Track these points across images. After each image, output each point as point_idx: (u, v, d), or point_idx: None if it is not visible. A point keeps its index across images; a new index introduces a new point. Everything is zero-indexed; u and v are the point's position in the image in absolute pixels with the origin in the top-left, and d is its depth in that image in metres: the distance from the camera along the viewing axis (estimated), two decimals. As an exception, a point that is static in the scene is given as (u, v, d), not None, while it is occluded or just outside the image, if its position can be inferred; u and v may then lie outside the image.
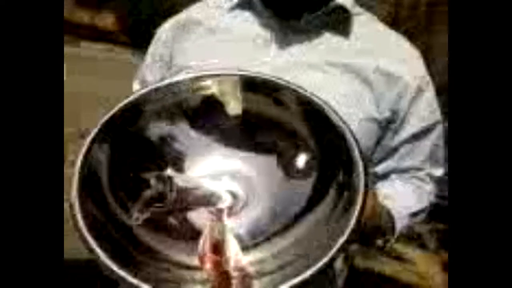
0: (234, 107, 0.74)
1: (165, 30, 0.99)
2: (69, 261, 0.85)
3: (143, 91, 0.74)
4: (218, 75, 0.74)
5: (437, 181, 0.96)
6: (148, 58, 1.02)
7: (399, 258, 2.19)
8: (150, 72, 1.00)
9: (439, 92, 0.93)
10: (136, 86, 1.04)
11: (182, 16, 0.98)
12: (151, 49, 1.02)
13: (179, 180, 0.61)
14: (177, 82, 0.75)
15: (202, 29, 0.93)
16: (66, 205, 0.64)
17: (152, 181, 0.62)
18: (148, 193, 0.62)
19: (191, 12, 0.97)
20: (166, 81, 0.75)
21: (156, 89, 0.74)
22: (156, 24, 1.05)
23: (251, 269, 0.63)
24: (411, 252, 2.30)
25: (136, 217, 0.63)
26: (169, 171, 0.61)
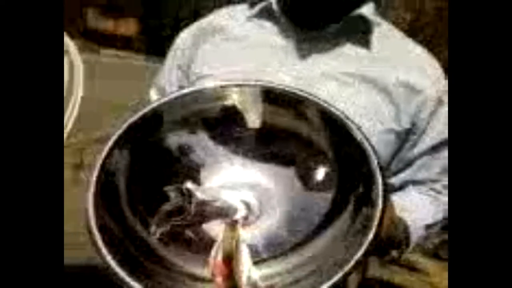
0: (254, 117, 0.73)
1: (184, 37, 0.99)
2: (69, 266, 0.84)
3: (164, 99, 0.73)
4: (239, 85, 0.73)
5: None
6: (166, 66, 1.01)
7: (412, 268, 2.16)
8: (168, 80, 0.99)
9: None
10: (153, 93, 1.04)
11: (201, 23, 0.98)
12: (169, 56, 1.01)
13: (198, 192, 0.61)
14: (198, 91, 0.74)
15: (221, 37, 0.92)
16: (66, 208, 0.65)
17: (171, 194, 0.61)
18: (167, 206, 0.62)
19: (211, 20, 0.97)
20: (187, 90, 0.75)
21: (177, 98, 0.73)
22: (177, 29, 1.04)
23: (262, 285, 0.63)
24: (424, 262, 2.27)
25: (154, 231, 0.63)
26: (189, 184, 0.60)
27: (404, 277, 2.09)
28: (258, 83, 0.73)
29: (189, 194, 0.59)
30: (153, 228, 0.62)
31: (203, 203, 0.60)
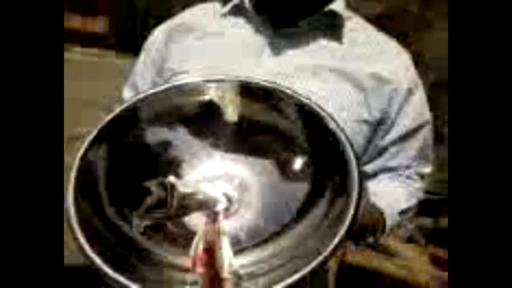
0: (231, 112, 0.75)
1: (157, 35, 1.00)
2: (68, 266, 0.85)
3: (140, 96, 0.75)
4: (216, 81, 0.75)
5: (426, 178, 0.98)
6: (140, 63, 1.02)
7: (388, 253, 2.22)
8: (142, 78, 1.00)
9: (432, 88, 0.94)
10: (126, 92, 1.04)
11: (174, 21, 0.99)
12: (142, 54, 1.02)
13: (180, 186, 0.62)
14: (177, 87, 0.75)
15: (194, 34, 0.94)
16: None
17: (153, 188, 0.62)
18: (149, 200, 0.62)
19: (184, 17, 0.98)
20: (165, 86, 0.76)
21: (155, 94, 0.75)
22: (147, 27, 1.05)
23: (242, 272, 0.64)
24: (400, 246, 2.34)
25: (137, 224, 0.64)
26: (171, 178, 0.61)
27: (380, 262, 2.15)
28: (235, 78, 0.75)
29: (172, 188, 0.60)
30: (136, 222, 0.63)
31: (185, 196, 0.62)
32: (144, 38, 1.04)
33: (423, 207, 1.17)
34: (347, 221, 0.62)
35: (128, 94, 1.03)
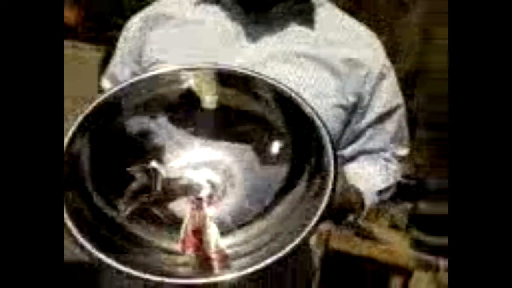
0: (210, 100, 0.77)
1: (133, 24, 1.00)
2: (69, 262, 0.85)
3: (120, 86, 0.76)
4: (194, 69, 0.77)
5: (402, 160, 1.02)
6: (117, 54, 1.02)
7: (372, 238, 2.28)
8: (120, 68, 1.01)
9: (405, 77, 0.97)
10: (105, 82, 1.05)
11: (150, 10, 0.99)
12: (119, 44, 1.02)
13: (163, 171, 0.64)
14: (155, 76, 0.77)
15: (171, 22, 0.94)
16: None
17: (137, 174, 0.64)
18: (134, 185, 0.65)
19: (159, 6, 0.99)
20: (144, 75, 0.78)
21: (135, 83, 0.76)
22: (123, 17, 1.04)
23: (229, 251, 0.67)
24: (383, 232, 2.40)
25: (123, 209, 0.66)
26: (154, 163, 0.63)
27: (363, 247, 2.22)
28: (212, 66, 0.77)
29: (155, 173, 0.62)
30: (122, 207, 0.65)
31: (168, 180, 0.64)
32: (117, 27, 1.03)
33: (402, 192, 1.20)
34: (324, 200, 0.65)
35: (107, 85, 1.03)
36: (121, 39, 1.02)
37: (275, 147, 0.77)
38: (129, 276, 0.61)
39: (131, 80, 0.77)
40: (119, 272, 0.61)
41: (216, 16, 0.92)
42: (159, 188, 0.63)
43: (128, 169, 0.65)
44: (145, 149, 0.76)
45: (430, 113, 2.63)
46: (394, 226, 2.56)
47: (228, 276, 0.61)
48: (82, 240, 0.63)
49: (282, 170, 0.75)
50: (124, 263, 0.61)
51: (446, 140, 0.68)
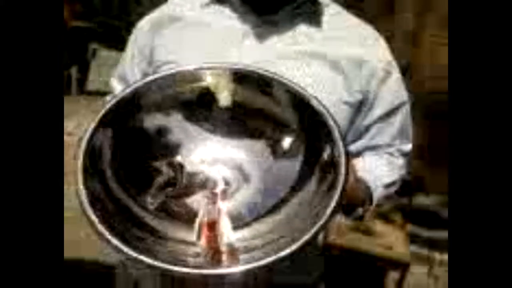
0: (226, 98, 0.79)
1: (143, 27, 1.01)
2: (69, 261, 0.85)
3: (138, 84, 0.77)
4: (211, 68, 0.79)
5: (406, 155, 1.04)
6: (128, 54, 1.04)
7: (370, 233, 2.31)
8: (130, 69, 1.02)
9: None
10: (115, 83, 1.06)
11: (159, 12, 1.01)
12: (129, 45, 1.04)
13: (188, 165, 0.66)
14: (173, 75, 0.79)
15: (180, 24, 0.96)
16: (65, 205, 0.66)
17: (163, 168, 0.66)
18: (160, 179, 0.66)
19: (168, 8, 1.00)
20: (162, 74, 0.79)
21: (153, 81, 0.78)
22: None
23: (239, 245, 0.69)
24: (380, 227, 2.42)
25: (150, 202, 0.68)
26: (179, 158, 0.65)
27: (362, 242, 2.24)
28: (227, 65, 0.79)
29: (180, 167, 0.64)
30: (150, 200, 0.67)
31: (192, 174, 0.66)
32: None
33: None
34: (336, 195, 0.66)
35: (116, 85, 1.05)
36: (131, 40, 1.03)
37: (287, 142, 0.79)
38: (142, 263, 0.62)
39: (151, 78, 0.78)
40: (138, 260, 0.62)
41: (224, 17, 0.94)
42: (185, 181, 0.65)
43: (154, 163, 0.67)
44: (161, 145, 0.77)
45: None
46: (390, 221, 2.58)
47: (238, 268, 0.62)
48: (103, 230, 0.63)
49: (295, 166, 0.77)
50: (141, 250, 0.63)
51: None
